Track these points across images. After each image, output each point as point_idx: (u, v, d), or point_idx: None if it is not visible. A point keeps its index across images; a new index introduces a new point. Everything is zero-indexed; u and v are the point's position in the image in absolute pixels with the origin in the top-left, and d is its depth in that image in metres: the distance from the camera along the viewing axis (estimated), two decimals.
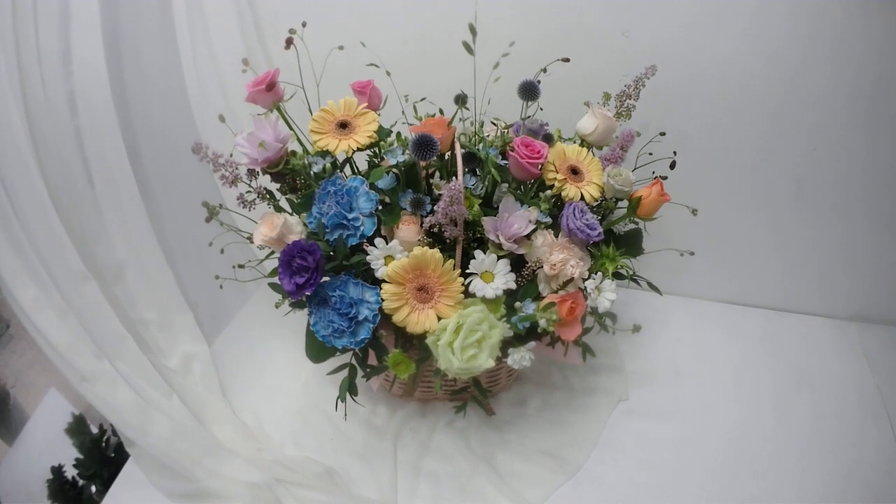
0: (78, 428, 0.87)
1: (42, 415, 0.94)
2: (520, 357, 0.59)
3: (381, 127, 0.65)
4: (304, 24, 0.62)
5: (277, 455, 0.68)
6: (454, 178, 0.55)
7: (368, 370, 0.61)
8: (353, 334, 0.56)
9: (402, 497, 0.66)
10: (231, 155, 0.58)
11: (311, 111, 0.63)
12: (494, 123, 0.71)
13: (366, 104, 0.64)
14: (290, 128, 0.63)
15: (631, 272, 0.66)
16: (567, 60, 0.65)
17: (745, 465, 0.70)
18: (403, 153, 0.57)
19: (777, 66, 0.74)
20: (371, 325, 0.56)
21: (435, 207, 0.55)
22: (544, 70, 0.67)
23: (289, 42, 0.59)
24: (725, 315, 0.92)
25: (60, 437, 0.87)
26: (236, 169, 0.57)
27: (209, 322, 0.83)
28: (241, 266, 0.64)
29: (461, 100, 0.68)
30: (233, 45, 0.81)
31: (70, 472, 0.83)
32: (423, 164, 0.62)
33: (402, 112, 0.70)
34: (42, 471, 0.82)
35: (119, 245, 0.71)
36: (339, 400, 0.61)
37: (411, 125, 0.67)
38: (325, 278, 0.58)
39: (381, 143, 0.59)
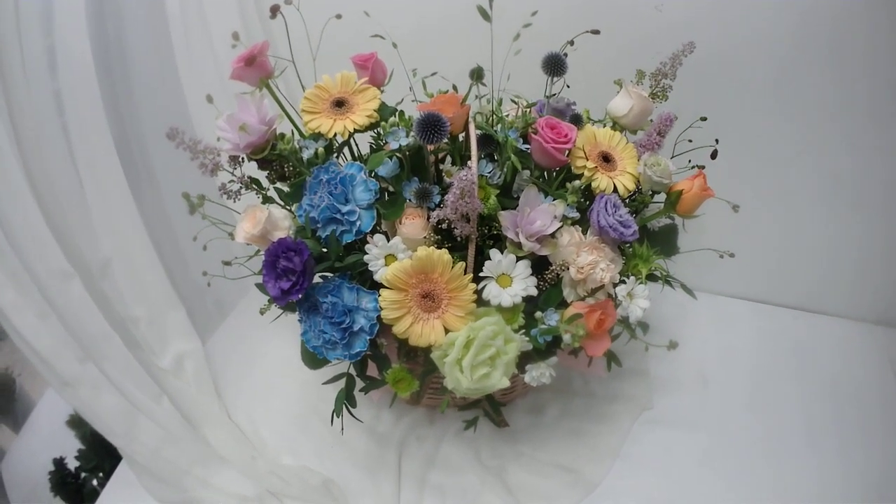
0: (80, 419, 0.80)
1: (47, 403, 0.87)
2: (539, 374, 0.48)
3: (383, 105, 0.53)
4: None
5: (272, 464, 0.59)
6: (467, 164, 0.43)
7: (367, 382, 0.51)
8: (347, 346, 0.46)
9: None
10: (218, 139, 0.47)
11: (303, 88, 0.51)
12: (515, 102, 0.58)
13: (367, 79, 0.53)
14: (282, 108, 0.52)
15: (665, 274, 0.54)
16: (597, 32, 0.53)
17: (769, 482, 0.60)
18: (407, 135, 0.45)
19: (821, 50, 0.62)
20: (368, 337, 0.46)
21: (444, 199, 0.43)
22: (571, 43, 0.54)
23: (274, 10, 0.47)
24: (754, 315, 0.81)
25: (64, 426, 0.80)
26: (217, 156, 0.46)
27: (204, 318, 0.73)
28: (227, 263, 0.54)
29: (477, 75, 0.55)
30: (228, 18, 0.69)
31: (72, 463, 0.76)
32: (430, 147, 0.50)
33: (410, 88, 0.58)
34: (46, 460, 0.76)
35: (105, 239, 0.62)
36: (335, 414, 0.51)
37: (420, 103, 0.55)
38: (318, 279, 0.48)
39: (383, 123, 0.47)
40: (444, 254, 0.44)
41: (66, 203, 0.58)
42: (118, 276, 0.62)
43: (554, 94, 0.56)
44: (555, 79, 0.53)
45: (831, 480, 0.60)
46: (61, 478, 0.74)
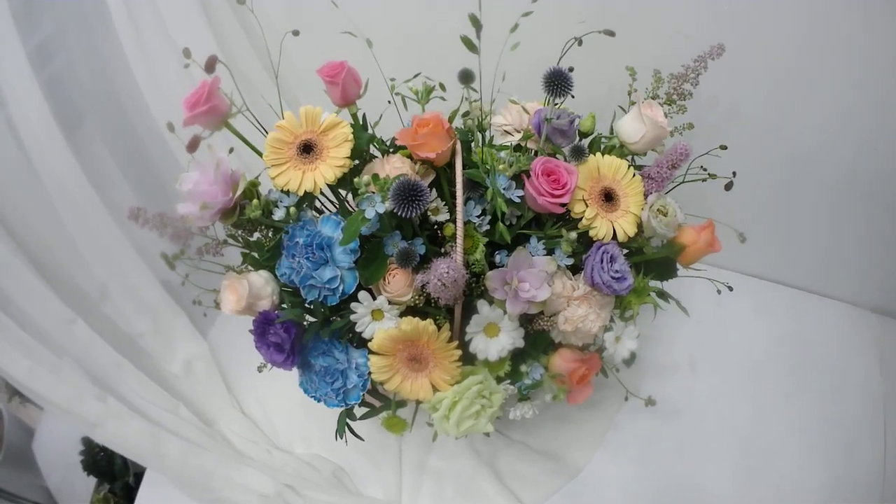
0: None
1: None
2: (523, 412, 0.51)
3: (359, 133, 0.47)
4: None
5: (286, 456, 0.67)
6: (452, 248, 0.40)
7: (366, 411, 0.55)
8: (342, 400, 0.48)
9: (405, 495, 0.65)
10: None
11: (264, 131, 0.45)
12: (504, 125, 0.51)
13: (338, 98, 0.46)
14: (252, 147, 0.47)
15: (657, 305, 0.54)
16: (612, 34, 0.44)
17: (753, 470, 0.66)
18: (383, 201, 0.42)
19: (851, 48, 0.58)
20: (361, 392, 0.48)
21: (427, 269, 0.41)
22: (579, 42, 0.46)
23: (211, 63, 0.40)
24: (753, 291, 0.80)
25: None
26: (185, 222, 0.43)
27: (201, 312, 0.74)
28: (217, 305, 0.54)
29: (466, 78, 0.48)
30: (188, 34, 0.59)
31: None
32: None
33: (389, 102, 0.51)
34: (75, 437, 0.76)
35: (97, 267, 0.62)
36: (337, 434, 0.56)
37: (400, 129, 0.48)
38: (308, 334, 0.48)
39: (356, 180, 0.42)
40: (430, 325, 0.44)
41: (51, 245, 0.57)
42: (117, 298, 0.64)
43: (556, 105, 0.49)
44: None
45: (812, 469, 0.64)
46: (92, 457, 0.76)
